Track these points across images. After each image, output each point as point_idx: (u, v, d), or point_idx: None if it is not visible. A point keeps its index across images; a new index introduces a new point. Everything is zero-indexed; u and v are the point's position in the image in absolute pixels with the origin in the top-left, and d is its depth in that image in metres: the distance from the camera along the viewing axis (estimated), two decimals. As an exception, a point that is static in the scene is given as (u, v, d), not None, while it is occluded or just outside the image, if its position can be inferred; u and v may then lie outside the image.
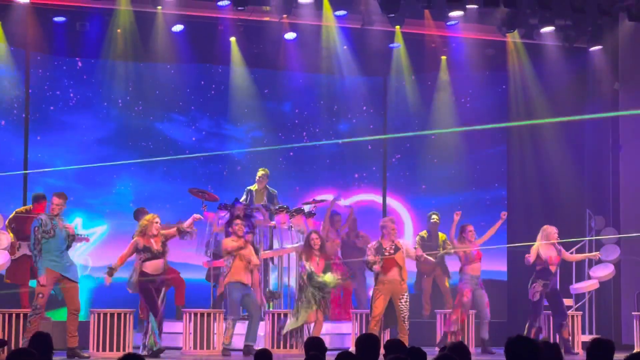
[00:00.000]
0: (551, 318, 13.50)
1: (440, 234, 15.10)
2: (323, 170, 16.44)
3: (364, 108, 16.58)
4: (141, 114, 15.74)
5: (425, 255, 12.79)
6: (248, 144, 16.37)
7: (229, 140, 16.32)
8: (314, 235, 12.62)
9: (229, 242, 12.50)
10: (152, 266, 11.73)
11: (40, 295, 11.36)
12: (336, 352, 6.25)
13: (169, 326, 12.54)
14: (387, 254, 12.20)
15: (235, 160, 16.25)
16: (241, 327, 12.64)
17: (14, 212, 13.57)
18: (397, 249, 12.27)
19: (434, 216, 15.23)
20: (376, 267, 12.19)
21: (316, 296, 12.39)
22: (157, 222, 11.84)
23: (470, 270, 13.27)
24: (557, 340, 13.08)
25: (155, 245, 11.77)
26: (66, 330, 11.55)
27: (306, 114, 16.49)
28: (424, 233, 15.26)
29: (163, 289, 11.95)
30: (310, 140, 16.37)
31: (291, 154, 16.32)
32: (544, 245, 13.13)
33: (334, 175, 16.44)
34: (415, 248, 13.34)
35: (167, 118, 15.98)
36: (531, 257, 13.13)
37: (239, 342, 12.48)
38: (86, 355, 11.65)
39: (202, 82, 16.05)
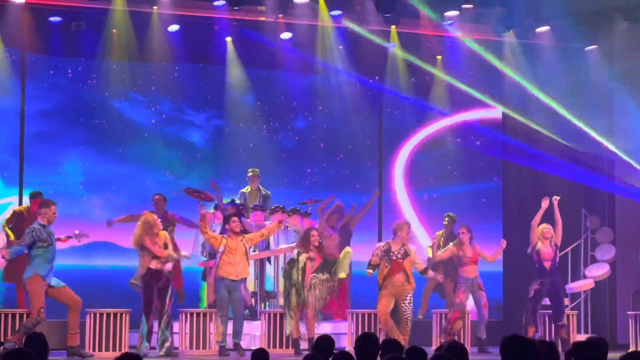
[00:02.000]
0: (549, 317, 13.50)
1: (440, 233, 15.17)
2: (279, 164, 16.27)
3: (361, 108, 16.61)
4: (94, 88, 15.22)
5: (431, 273, 12.79)
6: (209, 131, 16.24)
7: (189, 126, 16.10)
8: (314, 232, 12.50)
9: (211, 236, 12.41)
10: (156, 261, 11.71)
11: (42, 310, 11.20)
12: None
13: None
14: (394, 257, 12.15)
15: (195, 147, 16.10)
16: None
17: (12, 212, 13.52)
18: (406, 254, 12.21)
19: (446, 218, 15.24)
20: (368, 272, 12.15)
21: (292, 290, 12.31)
22: (158, 220, 11.89)
23: (463, 273, 13.26)
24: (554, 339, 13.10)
25: (159, 243, 11.80)
26: (67, 327, 11.43)
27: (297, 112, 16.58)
28: (440, 233, 15.22)
29: (170, 288, 11.90)
30: (269, 134, 16.33)
31: (251, 145, 16.22)
32: (542, 242, 13.15)
33: (288, 168, 16.37)
34: (429, 247, 13.74)
35: (125, 97, 15.57)
36: (530, 249, 13.19)
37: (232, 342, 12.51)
38: (89, 354, 11.63)
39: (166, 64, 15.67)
